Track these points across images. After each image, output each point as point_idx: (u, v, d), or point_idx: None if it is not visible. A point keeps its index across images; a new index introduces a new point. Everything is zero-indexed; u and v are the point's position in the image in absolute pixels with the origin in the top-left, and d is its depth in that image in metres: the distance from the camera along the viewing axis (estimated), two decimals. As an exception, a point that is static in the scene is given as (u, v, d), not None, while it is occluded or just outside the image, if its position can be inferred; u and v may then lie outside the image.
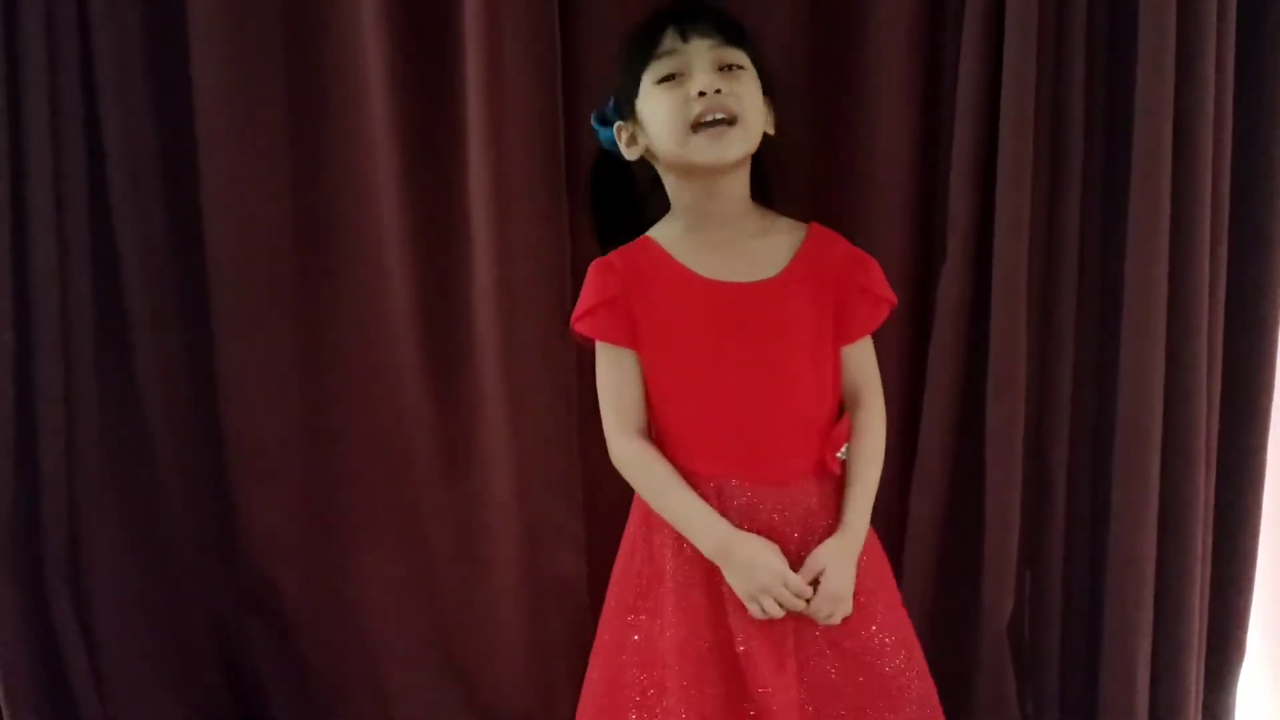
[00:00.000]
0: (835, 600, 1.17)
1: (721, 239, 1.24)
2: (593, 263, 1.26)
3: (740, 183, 1.24)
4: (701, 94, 1.15)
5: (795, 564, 1.18)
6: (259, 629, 1.72)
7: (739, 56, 1.20)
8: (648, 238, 1.27)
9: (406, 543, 1.67)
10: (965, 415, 1.44)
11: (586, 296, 1.24)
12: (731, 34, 1.20)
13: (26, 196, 1.53)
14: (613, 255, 1.26)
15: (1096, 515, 1.45)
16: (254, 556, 1.70)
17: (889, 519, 1.51)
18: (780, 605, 1.16)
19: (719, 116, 1.16)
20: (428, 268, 1.57)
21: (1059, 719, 1.51)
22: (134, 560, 1.67)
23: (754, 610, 1.16)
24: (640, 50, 1.20)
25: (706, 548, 1.19)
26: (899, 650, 1.23)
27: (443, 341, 1.60)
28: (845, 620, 1.20)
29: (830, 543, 1.19)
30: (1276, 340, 1.43)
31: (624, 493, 1.27)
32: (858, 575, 1.20)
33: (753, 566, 1.16)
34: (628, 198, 1.32)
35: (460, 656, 1.68)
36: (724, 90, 1.16)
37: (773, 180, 1.30)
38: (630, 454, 1.24)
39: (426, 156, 1.54)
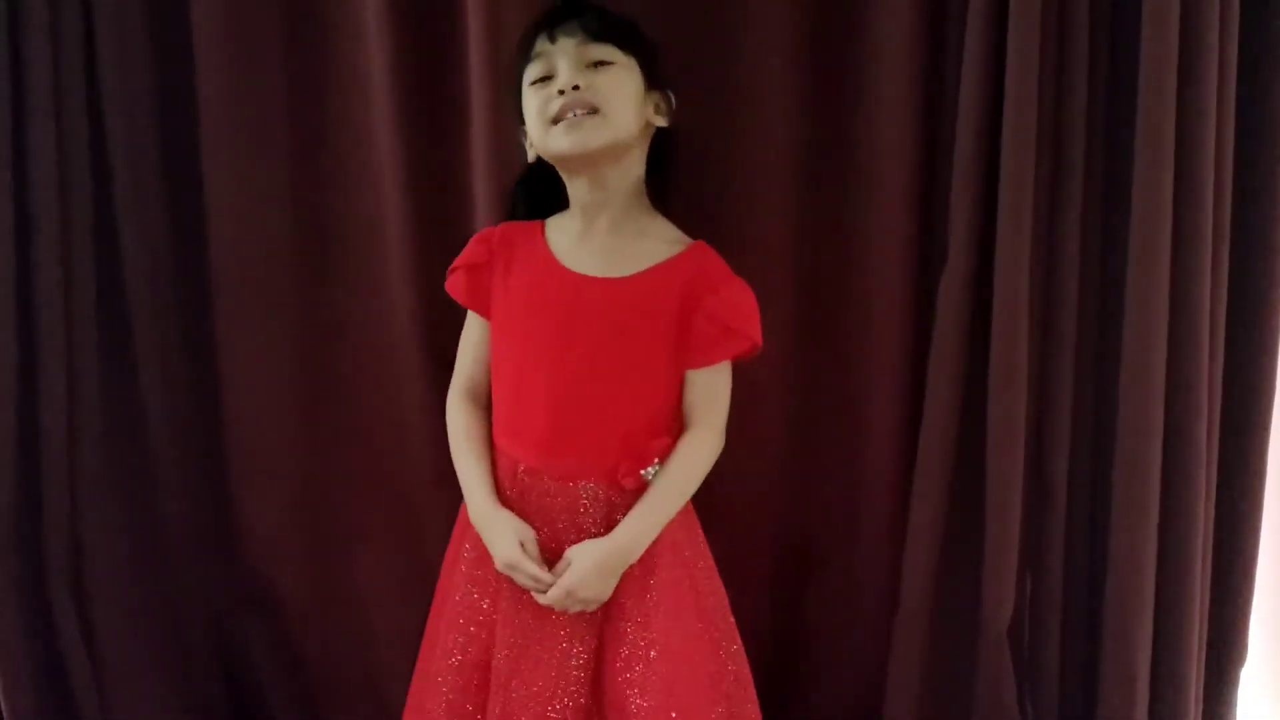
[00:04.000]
0: (569, 594, 1.20)
1: (597, 232, 1.26)
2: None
3: (625, 175, 1.26)
4: (561, 92, 1.20)
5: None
6: (258, 630, 1.72)
7: (607, 52, 1.22)
8: (540, 222, 1.31)
9: (405, 544, 1.67)
10: (966, 418, 1.44)
11: (459, 258, 1.32)
12: (600, 31, 1.22)
13: (30, 198, 1.54)
14: (500, 226, 1.33)
15: (1097, 518, 1.45)
16: (254, 557, 1.70)
17: (890, 520, 1.52)
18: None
19: (577, 113, 1.19)
20: (429, 268, 1.57)
21: (1059, 722, 1.51)
22: (134, 561, 1.67)
23: (514, 576, 1.22)
24: (519, 54, 1.26)
25: (470, 514, 1.28)
26: (645, 690, 1.21)
27: (444, 342, 1.59)
28: (606, 641, 1.23)
29: (589, 542, 1.22)
30: (1277, 342, 1.43)
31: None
32: (636, 596, 1.22)
33: (493, 543, 1.23)
34: (551, 199, 1.33)
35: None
36: (583, 85, 1.19)
37: (668, 174, 1.32)
38: (450, 409, 1.34)
39: (429, 157, 1.54)
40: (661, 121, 1.28)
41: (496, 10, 1.42)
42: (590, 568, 1.20)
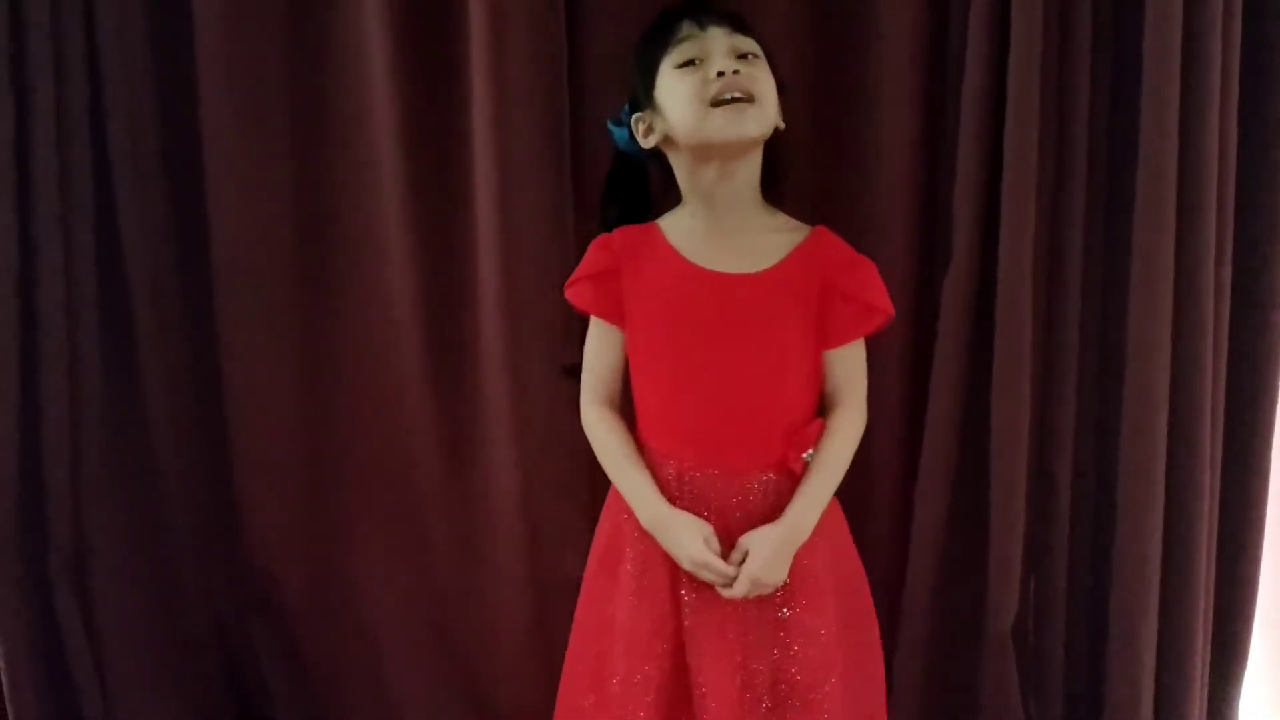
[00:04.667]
0: (754, 582, 1.20)
1: (723, 228, 1.26)
2: (596, 237, 1.31)
3: (752, 169, 1.27)
4: (720, 74, 1.19)
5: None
6: (262, 628, 1.72)
7: (753, 45, 1.24)
8: (654, 223, 1.30)
9: (409, 543, 1.67)
10: (969, 417, 1.44)
11: (581, 267, 1.31)
12: (744, 25, 1.25)
13: (32, 199, 1.53)
14: (616, 232, 1.31)
15: (1101, 517, 1.45)
16: (257, 556, 1.70)
17: (893, 522, 1.52)
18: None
19: (737, 95, 1.19)
20: (432, 269, 1.58)
21: (1063, 721, 1.51)
22: (138, 559, 1.67)
23: (703, 575, 1.21)
24: (658, 39, 1.25)
25: (643, 520, 1.24)
26: (824, 669, 1.23)
27: (446, 342, 1.60)
28: (778, 625, 1.23)
29: (763, 528, 1.22)
30: (1280, 342, 1.43)
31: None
32: (804, 577, 1.23)
33: (678, 544, 1.22)
34: (642, 201, 1.35)
35: (463, 656, 1.68)
36: (742, 72, 1.20)
37: (780, 175, 1.32)
38: (594, 420, 1.31)
39: (430, 158, 1.54)
40: (780, 124, 1.28)
41: (501, 10, 1.42)
42: (770, 554, 1.20)
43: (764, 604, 1.24)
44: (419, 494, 1.66)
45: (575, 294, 1.30)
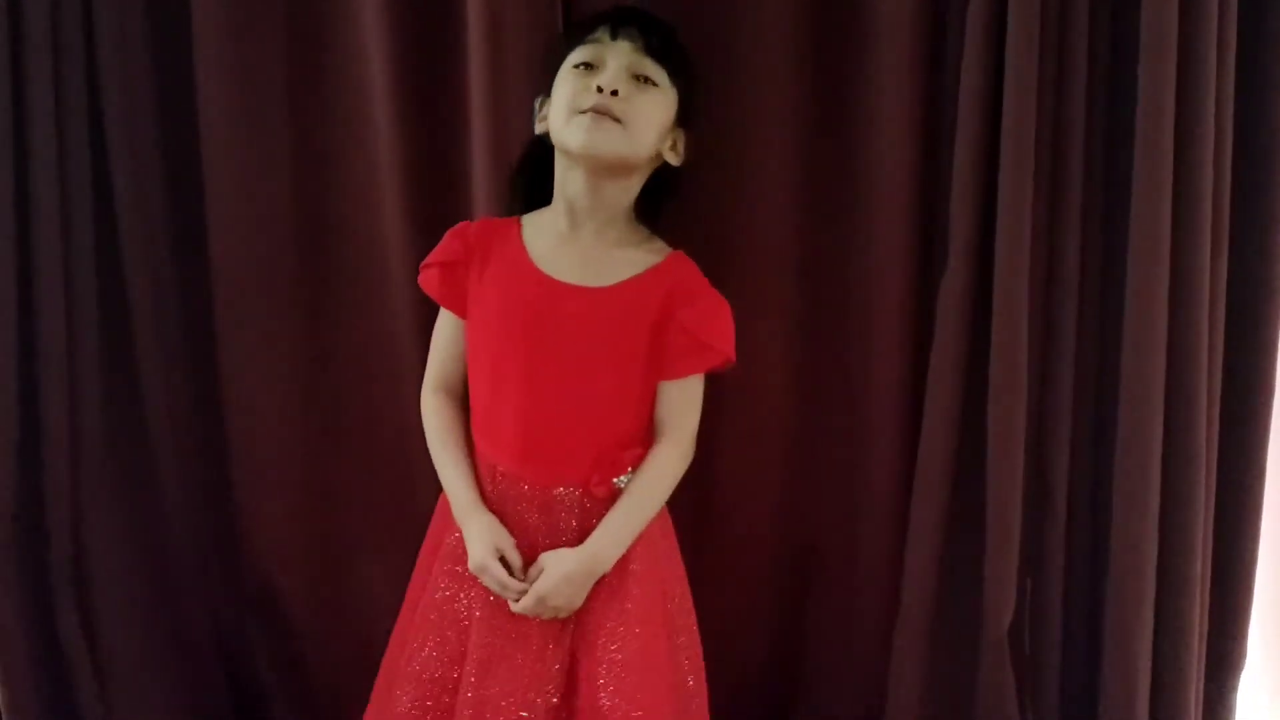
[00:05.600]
0: (540, 602, 1.20)
1: (579, 236, 1.26)
2: (456, 225, 1.32)
3: (620, 194, 1.26)
4: (600, 89, 1.18)
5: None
6: (261, 632, 1.72)
7: (655, 72, 1.22)
8: (516, 219, 1.30)
9: (408, 546, 1.67)
10: (966, 422, 1.44)
11: (433, 253, 1.32)
12: (658, 49, 1.22)
13: (30, 199, 1.53)
14: (476, 223, 1.32)
15: (1097, 521, 1.45)
16: (256, 559, 1.70)
17: (890, 526, 1.52)
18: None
19: (605, 114, 1.18)
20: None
21: (1059, 726, 1.51)
22: (137, 563, 1.67)
23: (484, 581, 1.23)
24: (572, 34, 1.26)
25: (454, 511, 1.28)
26: (612, 692, 1.21)
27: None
28: (579, 644, 1.23)
29: (563, 550, 1.22)
30: (1277, 345, 1.43)
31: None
32: (598, 606, 1.22)
33: (472, 542, 1.23)
34: (549, 185, 1.33)
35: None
36: (623, 94, 1.19)
37: (660, 205, 1.31)
38: (427, 406, 1.35)
39: (429, 158, 1.54)
40: (674, 160, 1.28)
41: (497, 9, 1.42)
42: (562, 577, 1.20)
43: (561, 632, 1.23)
44: (417, 497, 1.65)
45: (424, 279, 1.32)
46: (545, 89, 1.28)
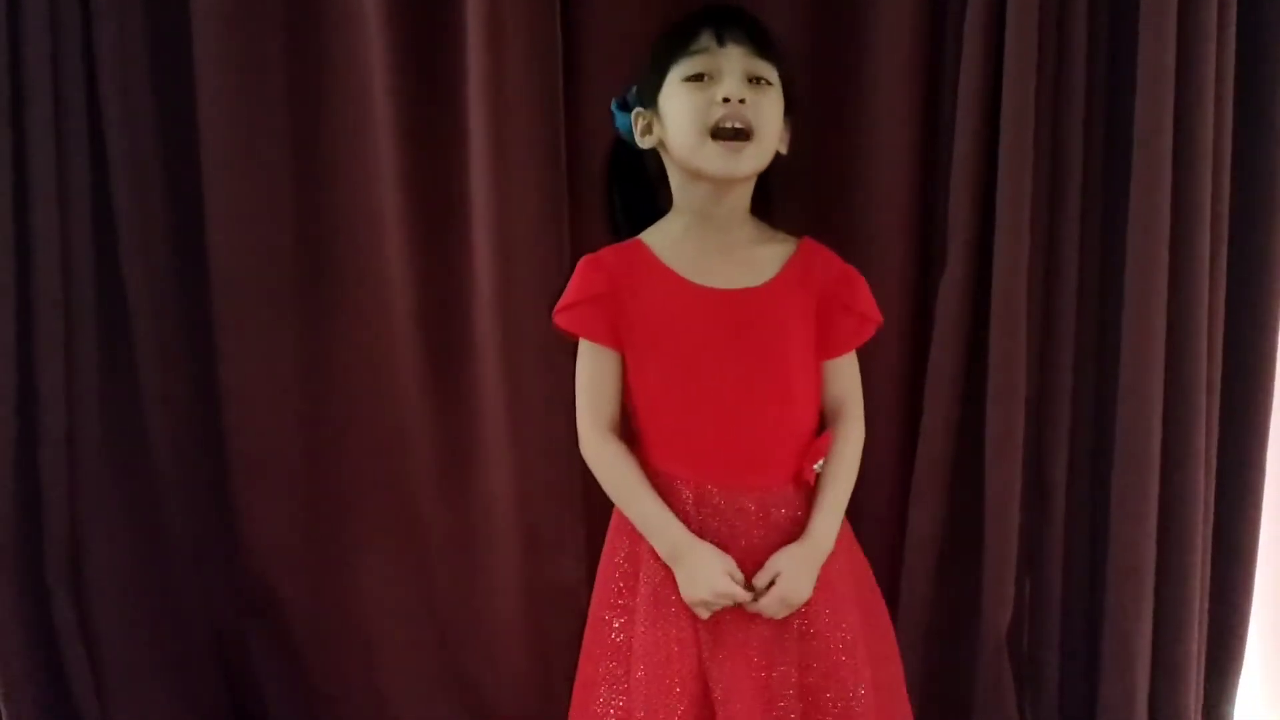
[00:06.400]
0: (785, 604, 1.19)
1: (715, 245, 1.24)
2: (582, 258, 1.27)
3: (745, 194, 1.26)
4: (726, 100, 1.16)
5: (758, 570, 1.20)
6: (259, 633, 1.72)
7: (768, 71, 1.20)
8: (639, 241, 1.27)
9: (406, 547, 1.67)
10: (965, 423, 1.44)
11: (571, 290, 1.25)
12: (765, 47, 1.20)
13: (29, 200, 1.53)
14: (604, 252, 1.27)
15: (1096, 523, 1.45)
16: (254, 561, 1.70)
17: (888, 527, 1.52)
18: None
19: (737, 126, 1.16)
20: (429, 271, 1.57)
21: (1058, 726, 1.51)
22: (135, 564, 1.67)
23: (700, 614, 1.19)
24: (674, 44, 1.21)
25: (661, 550, 1.21)
26: (852, 681, 1.21)
27: (444, 345, 1.60)
28: (808, 636, 1.21)
29: (791, 547, 1.21)
30: (1276, 346, 1.43)
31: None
32: (825, 589, 1.22)
33: (694, 578, 1.18)
34: (641, 186, 1.32)
35: (460, 661, 1.68)
36: (749, 101, 1.17)
37: (775, 196, 1.31)
38: (599, 450, 1.26)
39: (428, 159, 1.54)
40: (783, 149, 1.26)
41: (498, 11, 1.42)
42: (800, 572, 1.20)
43: (784, 622, 1.21)
44: (416, 498, 1.65)
45: (571, 319, 1.24)
46: (643, 99, 1.25)
